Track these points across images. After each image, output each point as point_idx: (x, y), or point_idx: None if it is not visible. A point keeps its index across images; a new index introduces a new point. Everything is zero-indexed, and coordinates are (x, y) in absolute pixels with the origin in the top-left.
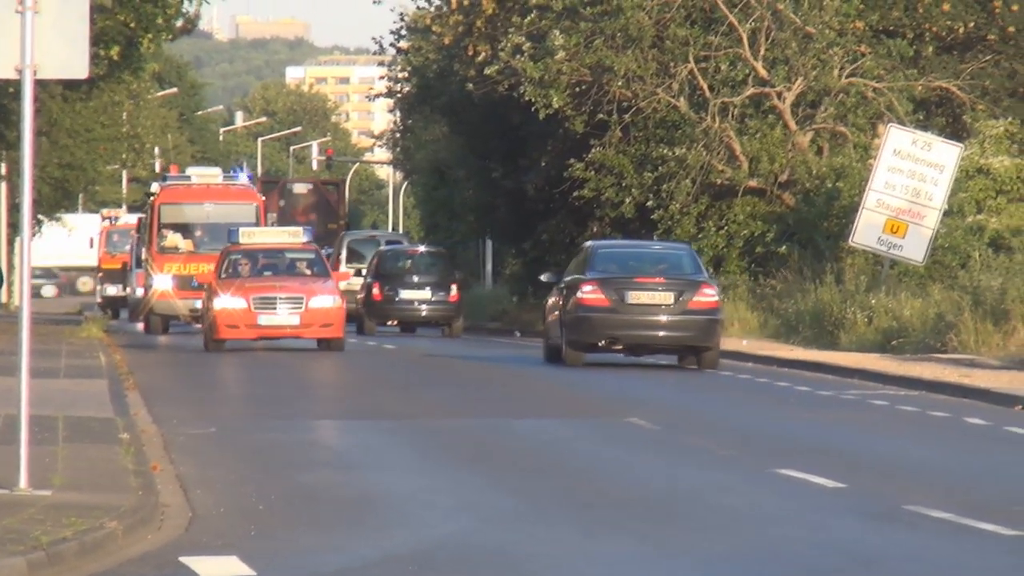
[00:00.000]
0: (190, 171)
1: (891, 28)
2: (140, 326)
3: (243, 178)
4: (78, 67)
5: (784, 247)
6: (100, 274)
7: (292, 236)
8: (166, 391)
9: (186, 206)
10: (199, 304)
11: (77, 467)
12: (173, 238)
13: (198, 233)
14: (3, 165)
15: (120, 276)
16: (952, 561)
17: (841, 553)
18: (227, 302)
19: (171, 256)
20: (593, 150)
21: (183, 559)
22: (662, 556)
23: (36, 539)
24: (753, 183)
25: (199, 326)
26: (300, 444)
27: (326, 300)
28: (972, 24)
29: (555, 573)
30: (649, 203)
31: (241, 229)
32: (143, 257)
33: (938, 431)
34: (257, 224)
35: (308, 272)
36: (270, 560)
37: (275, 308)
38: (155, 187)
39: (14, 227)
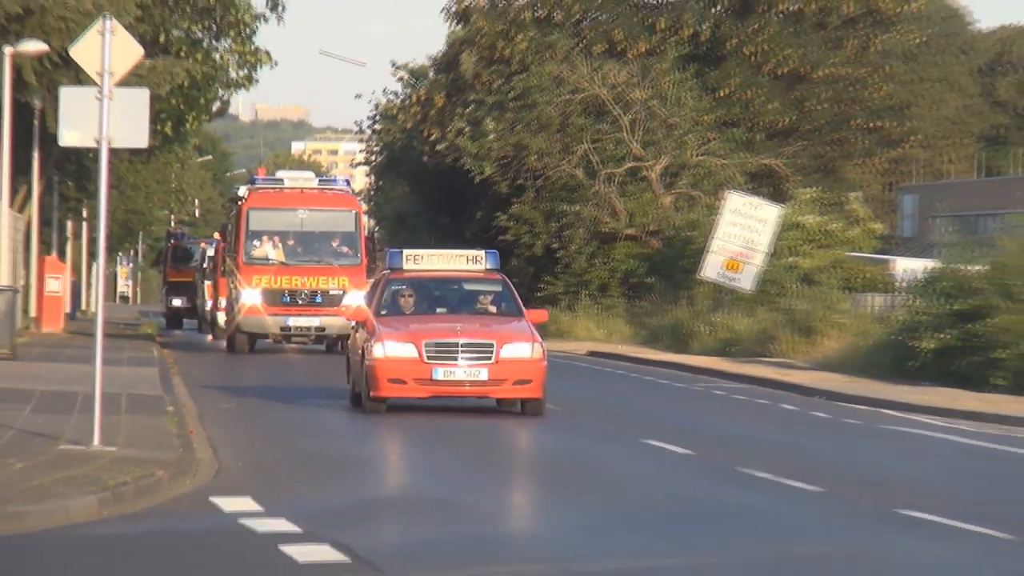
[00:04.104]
0: (281, 174)
1: (732, 120)
2: (209, 338)
3: (340, 183)
4: (140, 139)
5: (651, 279)
6: (166, 286)
7: (472, 261)
8: (200, 376)
9: (277, 212)
10: (290, 321)
11: (135, 431)
12: (263, 248)
13: (290, 242)
14: (85, 211)
15: (186, 289)
16: (772, 511)
17: (692, 504)
18: (392, 349)
19: (260, 268)
20: (514, 206)
21: (212, 499)
22: (558, 505)
23: (104, 483)
24: (630, 232)
25: (272, 342)
26: (302, 419)
27: (523, 349)
28: (790, 119)
29: (476, 513)
30: (554, 245)
31: (404, 252)
32: (226, 268)
33: (762, 413)
34: (356, 233)
35: (494, 309)
36: (275, 500)
37: (455, 358)
38: (242, 191)
39: (92, 255)
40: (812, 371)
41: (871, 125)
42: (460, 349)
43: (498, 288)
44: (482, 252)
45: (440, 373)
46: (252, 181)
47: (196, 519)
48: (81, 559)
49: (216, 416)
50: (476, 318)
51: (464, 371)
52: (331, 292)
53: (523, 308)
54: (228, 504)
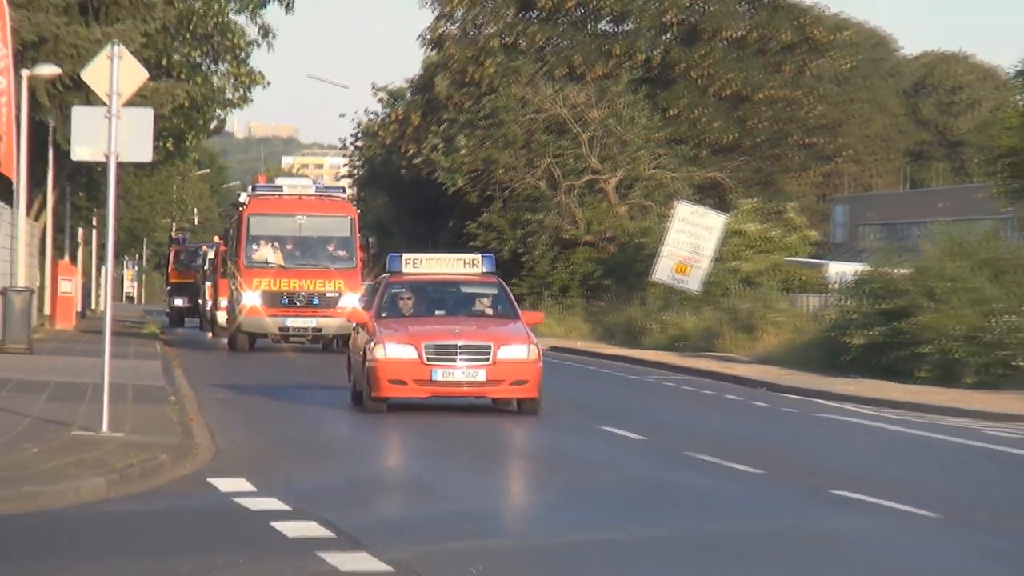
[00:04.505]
0: (280, 181)
1: (680, 138)
2: (209, 335)
3: (337, 190)
4: (145, 154)
5: (607, 281)
6: (169, 287)
7: (469, 265)
8: (198, 367)
9: (277, 217)
10: (289, 322)
11: (140, 418)
12: (263, 251)
13: (289, 246)
14: (94, 219)
15: (187, 289)
16: (717, 491)
17: (646, 485)
18: (392, 350)
19: (260, 271)
20: (483, 215)
21: (210, 480)
22: (528, 487)
23: (112, 465)
24: (588, 238)
25: (276, 342)
26: (290, 408)
27: (519, 350)
28: (733, 136)
29: (450, 493)
30: (519, 251)
31: (404, 256)
32: (227, 270)
33: (708, 403)
34: (351, 238)
35: (490, 312)
36: (266, 481)
37: (454, 360)
38: (243, 197)
39: (101, 259)
40: (753, 364)
41: (806, 142)
42: (459, 351)
43: (494, 291)
44: (478, 256)
45: (439, 374)
46: (253, 188)
47: (195, 498)
48: (91, 535)
49: (214, 405)
50: (473, 320)
51: (463, 372)
52: (327, 294)
53: (519, 310)
54: (224, 485)
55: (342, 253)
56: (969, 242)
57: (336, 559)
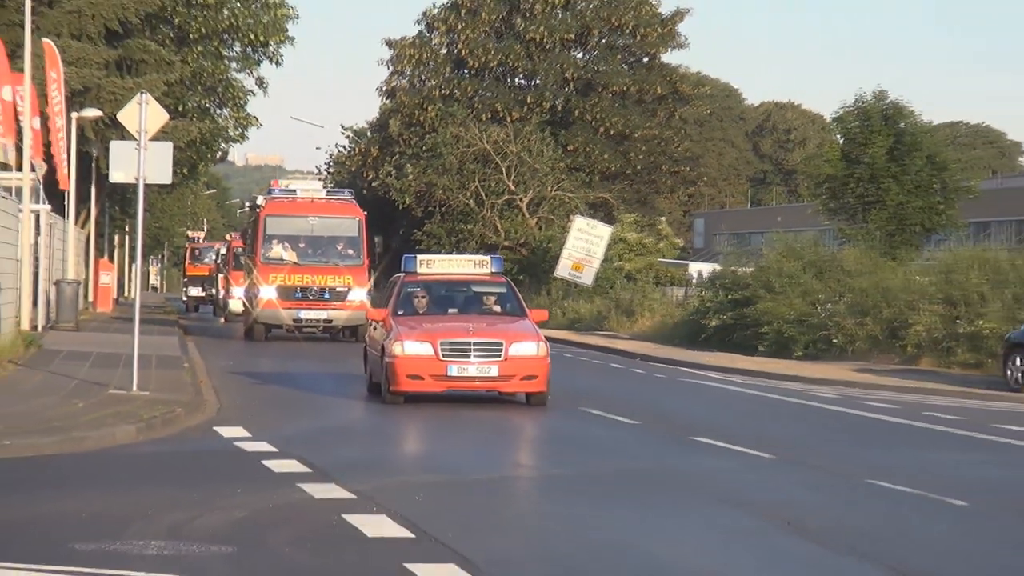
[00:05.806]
0: (294, 184)
1: (577, 167)
2: (221, 320)
3: (346, 194)
4: (166, 177)
5: (522, 277)
6: (185, 279)
7: (478, 266)
8: (208, 344)
9: (291, 218)
10: (302, 314)
11: (162, 380)
12: (278, 249)
13: (301, 245)
14: (127, 227)
15: (201, 281)
16: (603, 437)
17: (549, 433)
18: (410, 347)
19: (276, 267)
20: (426, 226)
21: (215, 428)
22: (464, 434)
23: (140, 416)
24: (507, 244)
25: (287, 330)
26: (280, 375)
27: (528, 347)
28: (617, 165)
29: (410, 441)
30: (454, 254)
31: (418, 257)
32: (244, 265)
33: (597, 369)
34: (359, 237)
35: (499, 310)
36: (260, 429)
37: (468, 356)
38: (260, 200)
39: (132, 258)
40: (632, 341)
41: (674, 170)
42: (472, 347)
43: (503, 290)
44: (487, 257)
45: (454, 370)
46: (269, 191)
47: (203, 442)
48: (125, 469)
49: (219, 370)
50: (484, 318)
51: (476, 368)
52: (337, 289)
53: (526, 308)
54: (226, 432)
55: (350, 251)
56: (799, 248)
57: (311, 489)
